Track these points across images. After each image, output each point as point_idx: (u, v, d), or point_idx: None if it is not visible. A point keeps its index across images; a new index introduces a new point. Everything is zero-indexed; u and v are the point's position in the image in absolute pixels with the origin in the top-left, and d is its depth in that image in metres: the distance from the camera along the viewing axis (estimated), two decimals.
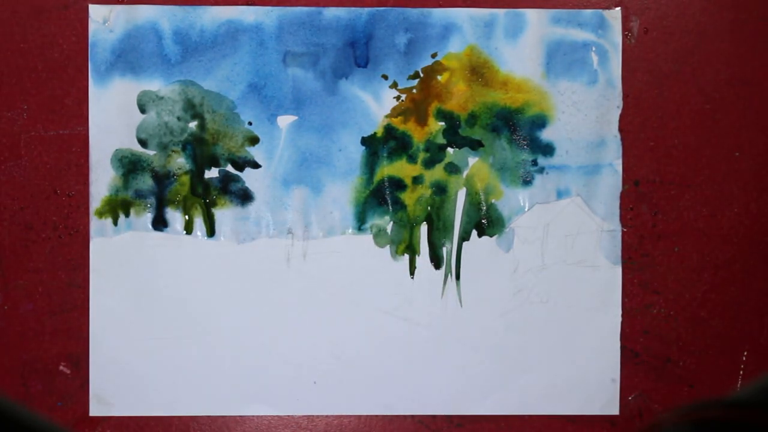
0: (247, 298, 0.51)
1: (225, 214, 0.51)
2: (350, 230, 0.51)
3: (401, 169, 0.51)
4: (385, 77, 0.51)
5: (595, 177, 0.51)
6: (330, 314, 0.51)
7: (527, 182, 0.51)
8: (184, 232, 0.51)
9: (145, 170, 0.51)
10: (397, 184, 0.51)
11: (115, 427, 0.51)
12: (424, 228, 0.51)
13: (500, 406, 0.51)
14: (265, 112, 0.51)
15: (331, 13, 0.51)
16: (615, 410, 0.51)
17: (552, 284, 0.51)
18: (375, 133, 0.51)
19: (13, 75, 0.50)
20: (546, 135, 0.51)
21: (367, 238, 0.51)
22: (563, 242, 0.51)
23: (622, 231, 0.52)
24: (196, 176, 0.51)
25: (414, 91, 0.51)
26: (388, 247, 0.51)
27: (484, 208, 0.51)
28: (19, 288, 0.51)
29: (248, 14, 0.51)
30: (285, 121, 0.51)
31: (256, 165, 0.51)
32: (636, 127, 0.52)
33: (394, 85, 0.51)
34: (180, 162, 0.51)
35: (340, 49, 0.51)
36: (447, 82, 0.51)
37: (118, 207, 0.51)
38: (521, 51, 0.51)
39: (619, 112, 0.51)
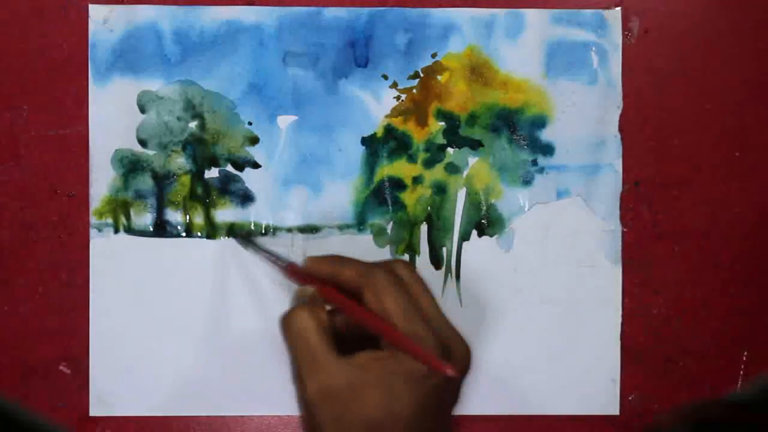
0: (247, 298, 0.51)
1: (225, 214, 0.51)
2: (350, 230, 0.51)
3: (401, 169, 0.51)
4: (385, 77, 0.51)
5: (595, 177, 0.51)
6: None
7: (527, 182, 0.51)
8: (184, 232, 0.51)
9: (145, 170, 0.51)
10: (397, 184, 0.51)
11: (115, 427, 0.51)
12: (424, 228, 0.51)
13: (500, 406, 0.51)
14: (265, 112, 0.51)
15: (331, 13, 0.51)
16: (615, 410, 0.51)
17: (552, 284, 0.51)
18: (375, 133, 0.51)
19: (13, 75, 0.50)
20: (546, 135, 0.51)
21: (367, 238, 0.51)
22: (563, 242, 0.51)
23: (622, 231, 0.52)
24: (196, 176, 0.51)
25: (414, 91, 0.51)
26: (388, 247, 0.51)
27: (484, 208, 0.52)
28: (19, 288, 0.51)
29: (248, 14, 0.51)
30: (285, 121, 0.51)
31: (256, 165, 0.51)
32: (636, 127, 0.51)
33: (394, 85, 0.51)
34: (180, 162, 0.51)
35: (340, 49, 0.51)
36: (447, 82, 0.51)
37: (118, 207, 0.51)
38: (521, 51, 0.51)
39: (619, 112, 0.51)
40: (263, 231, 0.51)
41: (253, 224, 0.51)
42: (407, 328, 0.36)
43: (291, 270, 0.42)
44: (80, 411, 0.51)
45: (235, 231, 0.51)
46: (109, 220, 0.51)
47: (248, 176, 0.51)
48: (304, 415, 0.37)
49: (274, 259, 0.45)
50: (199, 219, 0.51)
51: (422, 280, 0.38)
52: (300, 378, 0.37)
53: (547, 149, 0.51)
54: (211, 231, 0.51)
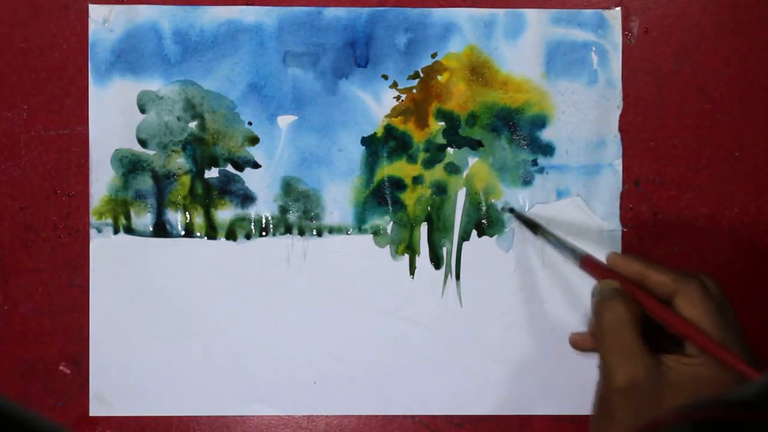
0: (247, 299, 0.51)
1: (225, 214, 0.51)
2: (350, 230, 0.51)
3: (401, 169, 0.51)
4: (385, 77, 0.51)
5: (595, 177, 0.51)
6: (330, 314, 0.51)
7: (527, 182, 0.51)
8: (184, 232, 0.51)
9: (145, 170, 0.51)
10: (397, 184, 0.51)
11: (115, 427, 0.51)
12: (424, 228, 0.51)
13: (500, 406, 0.51)
14: (265, 112, 0.51)
15: (331, 13, 0.51)
16: None
17: (552, 284, 0.51)
18: (375, 133, 0.51)
19: (13, 75, 0.50)
20: (546, 135, 0.51)
21: (367, 238, 0.51)
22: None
23: (622, 231, 0.52)
24: (196, 176, 0.51)
25: (414, 91, 0.51)
26: (388, 247, 0.51)
27: (484, 208, 0.51)
28: (19, 288, 0.51)
29: (248, 14, 0.51)
30: (285, 121, 0.51)
31: (256, 165, 0.51)
32: (636, 127, 0.51)
33: (394, 85, 0.51)
34: (180, 162, 0.51)
35: (340, 49, 0.51)
36: (447, 82, 0.51)
37: (118, 207, 0.51)
38: (521, 51, 0.51)
39: (619, 112, 0.51)
40: (263, 231, 0.51)
41: (253, 224, 0.51)
42: (721, 339, 0.37)
43: (586, 262, 0.44)
44: (80, 411, 0.51)
45: (519, 214, 0.51)
46: (109, 220, 0.51)
47: (248, 176, 0.51)
48: (600, 404, 0.39)
49: (567, 248, 0.46)
50: (199, 219, 0.51)
51: (727, 300, 0.40)
52: (608, 367, 0.38)
53: (547, 149, 0.51)
54: (211, 231, 0.51)
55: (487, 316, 0.51)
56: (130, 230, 0.51)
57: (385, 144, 0.51)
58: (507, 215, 0.51)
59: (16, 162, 0.51)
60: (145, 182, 0.51)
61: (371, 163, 0.51)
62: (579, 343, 0.43)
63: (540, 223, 0.50)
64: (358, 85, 0.51)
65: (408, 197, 0.51)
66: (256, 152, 0.51)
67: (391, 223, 0.51)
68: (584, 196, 0.51)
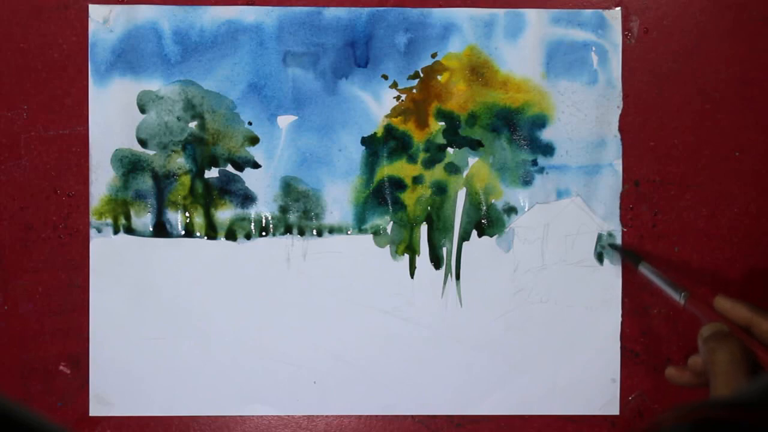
0: (247, 299, 0.51)
1: (225, 214, 0.51)
2: (350, 230, 0.51)
3: (401, 169, 0.51)
4: (385, 77, 0.51)
5: (595, 177, 0.51)
6: (330, 314, 0.51)
7: (527, 182, 0.51)
8: (184, 232, 0.51)
9: (145, 170, 0.51)
10: (397, 184, 0.51)
11: (115, 427, 0.51)
12: (424, 228, 0.51)
13: (500, 406, 0.51)
14: (265, 112, 0.51)
15: (331, 13, 0.51)
16: (615, 410, 0.51)
17: (552, 284, 0.51)
18: (375, 133, 0.51)
19: (13, 75, 0.50)
20: (546, 135, 0.51)
21: (367, 238, 0.51)
22: (563, 242, 0.51)
23: (622, 231, 0.52)
24: (196, 176, 0.51)
25: (414, 91, 0.51)
26: (388, 247, 0.51)
27: (484, 208, 0.51)
28: (19, 288, 0.51)
29: (248, 14, 0.51)
30: (285, 121, 0.51)
31: (256, 165, 0.51)
32: (636, 127, 0.51)
33: (394, 85, 0.51)
34: (180, 162, 0.51)
35: (340, 49, 0.51)
36: (447, 82, 0.51)
37: (118, 207, 0.51)
38: (521, 51, 0.51)
39: (619, 112, 0.51)
40: (263, 231, 0.51)
41: (253, 224, 0.51)
42: None
43: (692, 301, 0.44)
44: (80, 411, 0.51)
45: (618, 246, 0.51)
46: (109, 221, 0.51)
47: (248, 176, 0.51)
48: None
49: (671, 285, 0.46)
50: (199, 219, 0.51)
51: None
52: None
53: (547, 149, 0.51)
54: (211, 231, 0.51)
55: (487, 316, 0.51)
56: (130, 230, 0.51)
57: (385, 144, 0.51)
58: (608, 250, 0.51)
59: (16, 162, 0.51)
60: (145, 182, 0.51)
61: (371, 163, 0.51)
62: (676, 377, 0.44)
63: (642, 257, 0.50)
64: (358, 85, 0.51)
65: (408, 197, 0.51)
66: (256, 152, 0.51)
67: (391, 223, 0.51)
68: (584, 196, 0.51)
